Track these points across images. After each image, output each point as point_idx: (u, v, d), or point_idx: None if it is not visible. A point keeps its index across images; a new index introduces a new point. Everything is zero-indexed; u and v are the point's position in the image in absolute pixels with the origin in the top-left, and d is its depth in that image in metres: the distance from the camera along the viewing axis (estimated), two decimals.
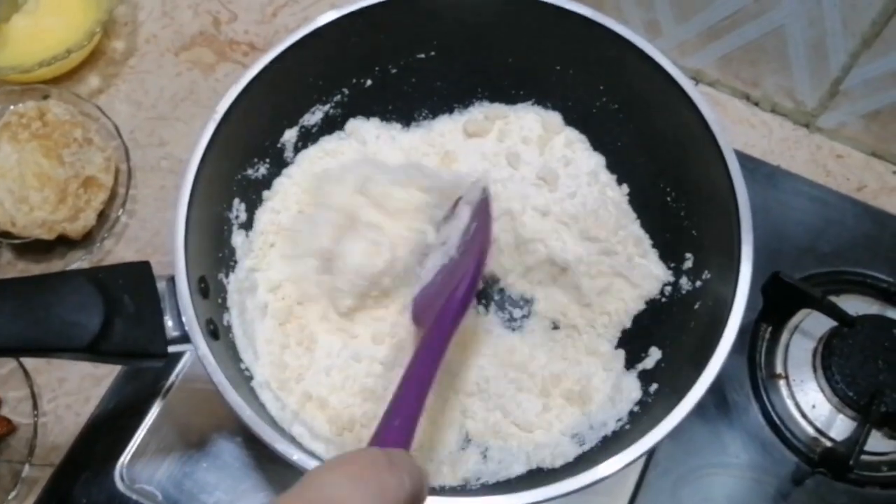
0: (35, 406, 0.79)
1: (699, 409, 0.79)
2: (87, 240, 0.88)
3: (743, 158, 0.65)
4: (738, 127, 0.97)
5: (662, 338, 0.71)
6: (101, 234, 0.88)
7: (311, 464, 0.56)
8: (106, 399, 0.81)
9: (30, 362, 0.81)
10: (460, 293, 0.60)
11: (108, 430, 0.80)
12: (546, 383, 0.71)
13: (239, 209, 0.73)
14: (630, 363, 0.72)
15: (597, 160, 0.79)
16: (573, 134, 0.79)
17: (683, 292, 0.71)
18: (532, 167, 0.78)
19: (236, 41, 1.01)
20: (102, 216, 0.88)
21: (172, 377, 0.81)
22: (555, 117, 0.80)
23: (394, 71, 0.78)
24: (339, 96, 0.78)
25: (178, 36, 1.02)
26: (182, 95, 0.98)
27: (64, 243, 0.87)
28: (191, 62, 1.00)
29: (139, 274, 0.61)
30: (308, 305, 0.74)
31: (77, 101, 0.91)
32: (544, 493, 0.54)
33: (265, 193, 0.76)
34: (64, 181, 0.84)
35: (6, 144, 0.84)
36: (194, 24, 1.02)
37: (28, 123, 0.85)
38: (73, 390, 0.83)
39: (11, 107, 0.88)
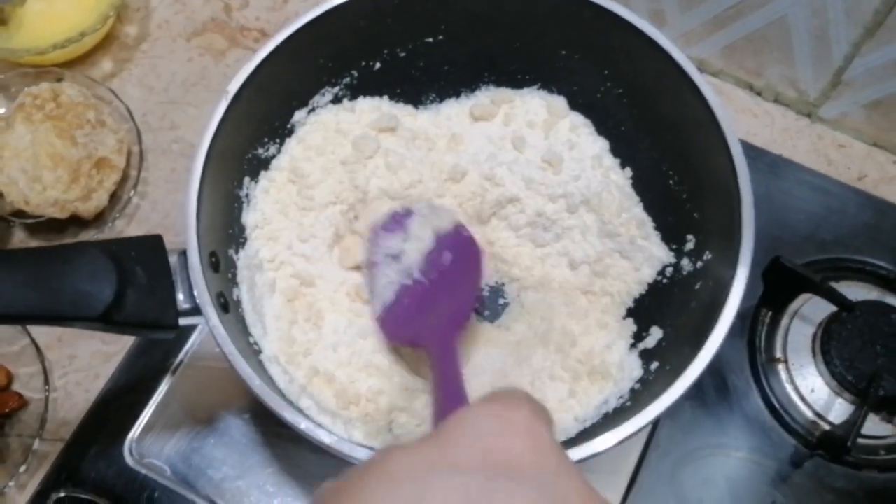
0: (46, 382, 0.81)
1: (700, 392, 0.81)
2: (98, 220, 0.89)
3: (746, 147, 0.66)
4: (741, 116, 0.98)
5: (663, 317, 0.71)
6: (113, 215, 0.89)
7: (318, 433, 0.57)
8: (116, 376, 0.83)
9: (41, 339, 0.83)
10: (460, 314, 0.67)
11: (117, 405, 0.81)
12: (578, 362, 0.72)
13: (249, 187, 0.74)
14: (632, 342, 0.73)
15: (601, 144, 0.80)
16: (578, 118, 0.80)
17: (685, 273, 0.72)
18: (537, 151, 0.79)
19: (247, 27, 1.02)
20: (114, 197, 0.90)
21: (181, 355, 0.82)
22: (560, 102, 0.81)
23: (402, 55, 0.79)
24: (348, 78, 0.79)
25: (190, 22, 1.03)
26: (193, 80, 0.99)
27: (76, 223, 0.89)
28: (202, 48, 1.01)
29: (151, 247, 0.62)
30: (317, 284, 0.75)
31: (90, 84, 0.92)
32: None
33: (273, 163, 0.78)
34: (77, 161, 0.85)
35: (20, 125, 0.85)
36: (206, 11, 1.04)
37: (42, 105, 0.87)
38: (83, 367, 0.84)
39: (26, 88, 0.89)
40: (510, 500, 0.34)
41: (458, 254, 0.72)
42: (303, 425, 0.57)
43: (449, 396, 0.55)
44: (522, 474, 0.36)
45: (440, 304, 0.69)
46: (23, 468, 0.77)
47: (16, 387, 0.82)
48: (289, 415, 0.57)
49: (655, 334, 0.71)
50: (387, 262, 0.73)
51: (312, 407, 0.65)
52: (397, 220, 0.75)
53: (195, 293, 0.60)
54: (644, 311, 0.75)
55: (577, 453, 0.56)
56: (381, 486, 0.35)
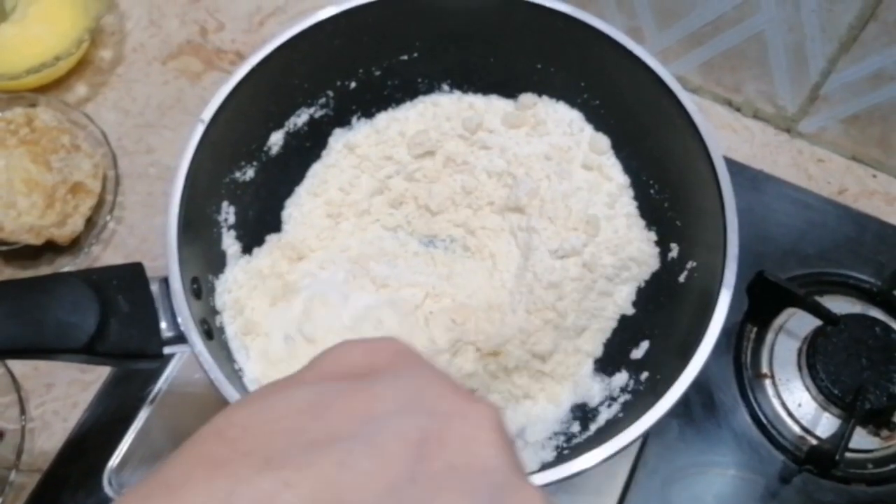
0: (22, 412, 0.79)
1: (687, 409, 0.81)
2: (74, 246, 0.88)
3: (726, 163, 0.66)
4: (721, 133, 0.98)
5: (651, 326, 0.71)
6: (89, 241, 0.88)
7: None
8: (93, 405, 0.81)
9: (17, 368, 0.81)
10: None
11: (96, 435, 0.80)
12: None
13: (228, 212, 0.73)
14: (620, 353, 0.72)
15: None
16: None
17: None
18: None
19: (223, 50, 1.02)
20: (90, 222, 0.88)
21: (160, 383, 0.81)
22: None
23: (377, 73, 0.78)
24: (323, 99, 0.78)
25: (165, 45, 1.02)
26: (169, 103, 0.98)
27: (51, 250, 0.87)
28: (178, 70, 1.00)
29: (132, 275, 0.61)
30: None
31: (65, 108, 0.91)
32: (538, 478, 0.55)
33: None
34: (52, 187, 0.84)
35: None
36: (181, 34, 1.03)
37: (16, 130, 0.86)
38: (60, 396, 0.82)
39: None
40: (356, 396, 0.34)
41: None
42: None
43: None
44: (378, 375, 0.35)
45: None
46: None
47: None
48: None
49: (643, 346, 0.70)
50: None
51: None
52: None
53: (179, 320, 0.59)
54: (630, 321, 0.74)
55: (575, 466, 0.56)
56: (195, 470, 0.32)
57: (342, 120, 0.80)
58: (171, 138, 0.96)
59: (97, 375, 0.82)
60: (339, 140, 0.80)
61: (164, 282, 0.61)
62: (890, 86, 0.87)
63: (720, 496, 0.78)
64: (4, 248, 0.85)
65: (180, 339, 0.59)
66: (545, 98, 0.80)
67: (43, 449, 0.80)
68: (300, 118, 0.78)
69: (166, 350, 0.59)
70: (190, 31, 1.03)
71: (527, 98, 0.79)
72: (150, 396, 0.80)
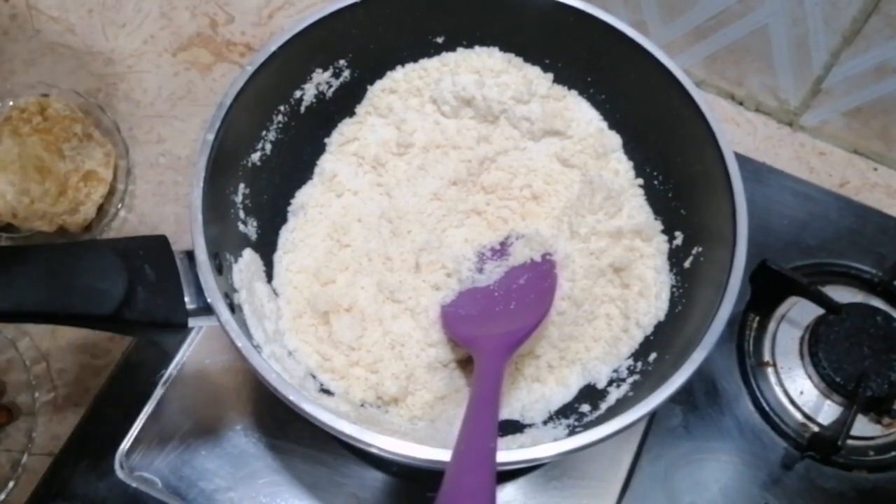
0: (35, 396, 0.80)
1: (690, 397, 0.82)
2: (86, 234, 0.88)
3: None
4: (724, 126, 0.99)
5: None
6: (101, 229, 0.89)
7: (339, 423, 0.56)
8: (105, 389, 0.82)
9: (30, 353, 0.82)
10: (515, 339, 0.65)
11: (107, 419, 0.80)
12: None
13: (244, 193, 0.73)
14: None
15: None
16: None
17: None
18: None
19: (233, 42, 1.03)
20: (102, 211, 0.89)
21: (171, 368, 0.82)
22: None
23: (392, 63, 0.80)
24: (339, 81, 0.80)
25: (176, 37, 1.03)
26: (180, 94, 0.99)
27: (63, 237, 0.88)
28: (188, 62, 1.01)
29: (158, 246, 0.61)
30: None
31: (77, 97, 0.92)
32: (551, 449, 0.56)
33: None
34: (64, 174, 0.85)
35: (8, 138, 0.85)
36: (192, 26, 1.04)
37: (29, 118, 0.87)
38: (72, 381, 0.83)
39: (11, 102, 0.89)
40: None
41: (534, 280, 0.73)
42: (323, 416, 0.56)
43: (477, 424, 0.54)
44: None
45: (500, 318, 0.70)
46: (11, 483, 0.77)
47: (3, 401, 0.81)
48: (308, 406, 0.56)
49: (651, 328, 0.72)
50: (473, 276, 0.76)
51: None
52: (504, 246, 0.77)
53: (205, 291, 0.60)
54: None
55: (585, 438, 0.57)
56: None
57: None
58: (181, 129, 0.97)
59: (109, 360, 0.83)
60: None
61: (188, 255, 0.61)
62: (892, 79, 0.88)
63: (723, 482, 0.79)
64: (17, 235, 0.86)
65: (205, 310, 0.60)
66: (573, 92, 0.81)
67: (55, 433, 0.81)
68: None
69: (191, 322, 0.60)
70: (200, 23, 1.04)
71: (557, 90, 0.81)
72: (161, 381, 0.81)
